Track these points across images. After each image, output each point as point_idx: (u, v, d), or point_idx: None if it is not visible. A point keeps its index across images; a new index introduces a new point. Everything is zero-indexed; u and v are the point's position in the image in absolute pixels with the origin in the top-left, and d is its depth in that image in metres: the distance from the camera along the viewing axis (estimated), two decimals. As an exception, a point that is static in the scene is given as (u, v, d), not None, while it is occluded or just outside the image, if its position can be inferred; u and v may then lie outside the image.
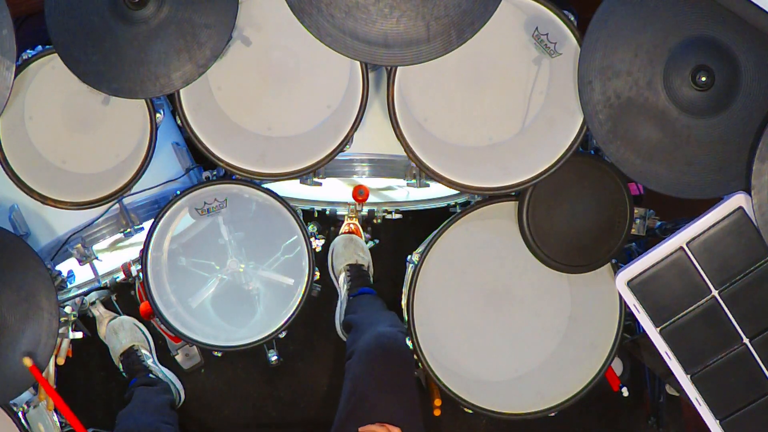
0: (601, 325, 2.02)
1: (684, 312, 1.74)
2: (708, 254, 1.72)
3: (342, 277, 2.39)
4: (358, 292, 2.32)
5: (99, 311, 2.40)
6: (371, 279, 2.40)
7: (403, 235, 2.50)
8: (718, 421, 1.75)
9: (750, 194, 1.67)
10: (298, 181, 1.94)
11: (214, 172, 2.04)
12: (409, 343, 2.01)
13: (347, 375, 1.93)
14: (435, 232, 2.01)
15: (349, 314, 2.24)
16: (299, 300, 2.01)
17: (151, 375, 2.29)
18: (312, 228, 2.04)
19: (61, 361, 2.09)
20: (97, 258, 2.03)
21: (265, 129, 1.93)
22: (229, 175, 1.96)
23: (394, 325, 2.04)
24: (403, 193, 2.31)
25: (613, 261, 1.98)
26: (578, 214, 1.92)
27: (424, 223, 2.27)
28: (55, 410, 2.03)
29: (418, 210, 2.35)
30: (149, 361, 2.33)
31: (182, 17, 1.71)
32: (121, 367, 2.33)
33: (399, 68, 1.79)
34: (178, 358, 2.44)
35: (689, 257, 1.72)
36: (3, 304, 1.75)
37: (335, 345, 2.40)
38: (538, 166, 1.87)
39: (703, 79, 1.66)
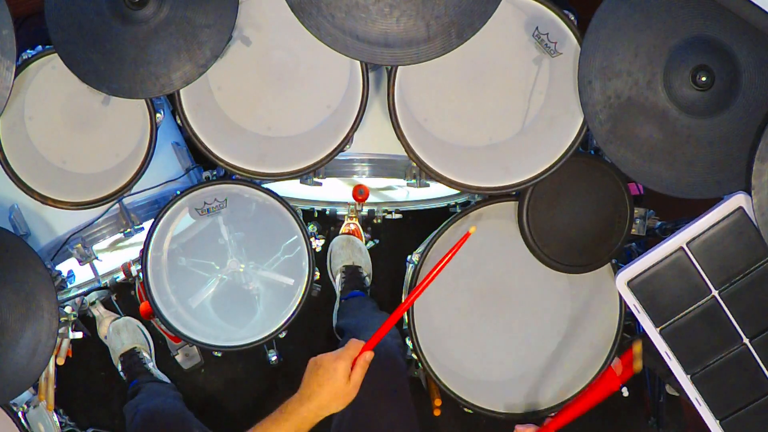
0: (601, 325, 2.02)
1: (684, 312, 1.74)
2: (708, 254, 1.72)
3: (338, 278, 2.39)
4: (348, 296, 2.32)
5: (99, 311, 2.40)
6: (367, 281, 2.40)
7: (403, 235, 2.50)
8: (718, 421, 1.75)
9: (750, 194, 1.67)
10: (298, 181, 1.94)
11: (214, 172, 2.04)
12: (409, 342, 2.01)
13: None
14: (435, 232, 2.01)
15: (341, 319, 2.25)
16: (299, 300, 2.01)
17: (153, 377, 2.29)
18: (312, 228, 2.04)
19: (61, 361, 2.09)
20: (97, 258, 2.03)
21: (265, 129, 1.93)
22: (229, 175, 1.96)
23: None
24: (403, 193, 2.31)
25: (613, 261, 1.98)
26: (578, 214, 1.92)
27: (424, 223, 2.27)
28: (55, 410, 2.04)
29: (418, 210, 2.35)
30: (150, 365, 2.33)
31: (182, 17, 1.71)
32: (120, 367, 2.33)
33: (399, 68, 1.79)
34: (178, 358, 2.44)
35: (689, 257, 1.72)
36: (3, 304, 1.75)
37: (335, 345, 2.40)
38: (538, 166, 1.87)
39: (703, 79, 1.66)
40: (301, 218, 2.00)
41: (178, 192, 1.96)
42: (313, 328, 2.49)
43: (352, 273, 2.38)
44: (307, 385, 1.54)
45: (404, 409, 1.87)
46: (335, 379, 1.52)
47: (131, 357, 2.32)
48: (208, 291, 2.07)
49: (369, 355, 1.57)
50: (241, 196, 2.01)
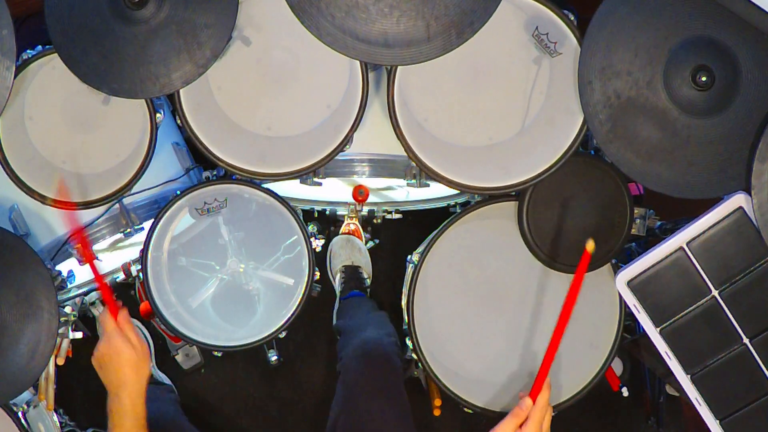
0: (601, 325, 2.02)
1: (684, 312, 1.74)
2: (708, 254, 1.72)
3: (337, 278, 2.39)
4: (347, 296, 2.32)
5: (99, 311, 2.40)
6: (367, 281, 2.40)
7: (403, 235, 2.50)
8: (718, 421, 1.75)
9: (750, 194, 1.67)
10: (298, 181, 1.94)
11: (214, 172, 2.04)
12: (409, 342, 2.01)
13: (339, 381, 1.94)
14: (435, 232, 2.01)
15: (340, 319, 2.25)
16: (299, 300, 2.01)
17: (152, 378, 2.29)
18: (312, 228, 2.04)
19: (61, 361, 2.09)
20: (97, 258, 2.03)
21: (265, 129, 1.93)
22: (229, 175, 1.96)
23: (380, 328, 2.05)
24: (403, 193, 2.31)
25: (613, 261, 1.98)
26: (578, 214, 1.92)
27: (424, 223, 2.27)
28: (55, 410, 2.04)
29: (418, 210, 2.35)
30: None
31: (182, 17, 1.71)
32: (120, 367, 2.33)
33: (399, 68, 1.79)
34: (178, 358, 2.44)
35: (689, 257, 1.72)
36: (3, 304, 1.75)
37: (335, 345, 2.40)
38: (538, 166, 1.87)
39: (703, 79, 1.66)
40: (301, 218, 2.00)
41: (178, 192, 1.96)
42: (313, 328, 2.49)
43: (351, 273, 2.38)
44: (109, 381, 1.61)
45: (399, 408, 1.87)
46: (123, 354, 1.58)
47: (131, 357, 2.31)
48: (208, 291, 2.07)
49: (123, 313, 1.61)
50: (241, 196, 2.01)
